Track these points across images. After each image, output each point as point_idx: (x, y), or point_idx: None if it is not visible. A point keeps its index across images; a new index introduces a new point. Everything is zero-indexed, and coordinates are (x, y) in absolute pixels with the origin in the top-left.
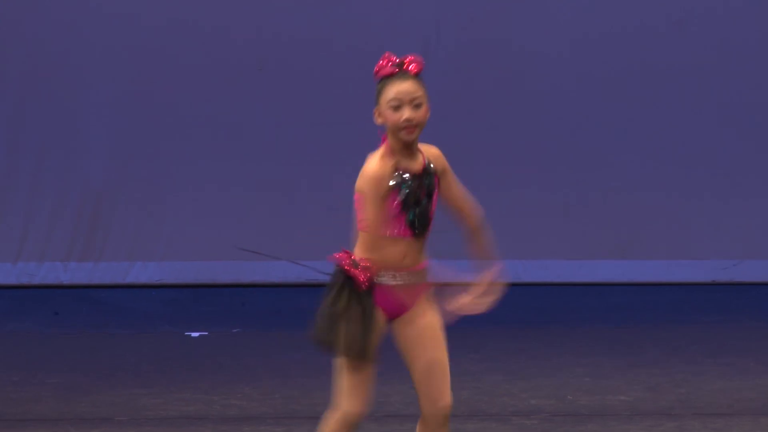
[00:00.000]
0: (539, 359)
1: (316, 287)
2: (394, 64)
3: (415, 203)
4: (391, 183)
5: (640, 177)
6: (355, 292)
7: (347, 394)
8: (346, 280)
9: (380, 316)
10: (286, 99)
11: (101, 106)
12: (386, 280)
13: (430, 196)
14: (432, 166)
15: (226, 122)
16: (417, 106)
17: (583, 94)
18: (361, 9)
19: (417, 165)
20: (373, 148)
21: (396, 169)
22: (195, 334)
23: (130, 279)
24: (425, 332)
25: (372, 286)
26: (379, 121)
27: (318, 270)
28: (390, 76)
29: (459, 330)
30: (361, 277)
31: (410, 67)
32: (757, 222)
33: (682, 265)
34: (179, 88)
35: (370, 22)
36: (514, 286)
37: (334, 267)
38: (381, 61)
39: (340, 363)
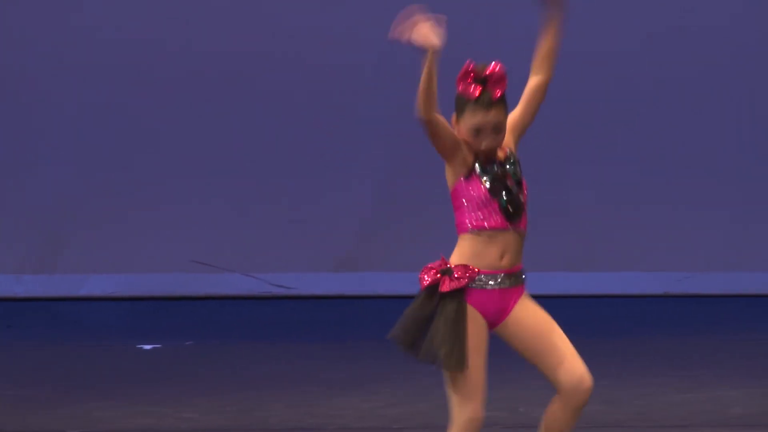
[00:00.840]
0: (493, 371)
1: (269, 299)
2: (477, 80)
3: (505, 189)
4: (476, 168)
5: (594, 190)
6: (444, 297)
7: (459, 403)
8: (434, 286)
9: (479, 321)
10: (242, 115)
11: (58, 120)
12: (484, 284)
13: (519, 183)
14: (513, 154)
15: (181, 138)
16: (497, 131)
17: (541, 109)
18: (323, 22)
19: (498, 154)
20: (321, 164)
21: (476, 156)
22: (148, 347)
23: (84, 291)
24: (540, 326)
25: (463, 292)
26: (458, 132)
27: (271, 283)
28: (474, 99)
29: None
30: (446, 285)
31: (495, 91)
32: (710, 234)
33: (636, 278)
34: (136, 103)
35: (334, 35)
36: None
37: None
38: (466, 77)
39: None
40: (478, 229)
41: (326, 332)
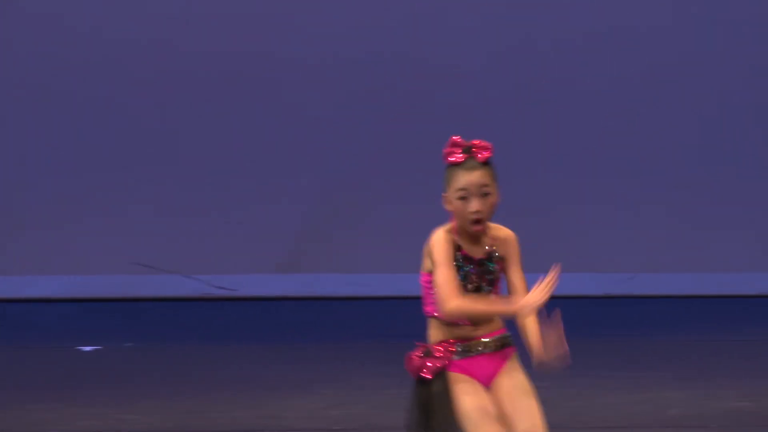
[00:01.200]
0: None
1: (210, 301)
2: (463, 150)
3: (475, 290)
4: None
5: (534, 189)
6: (433, 381)
7: None
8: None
9: (472, 382)
10: (184, 118)
11: (4, 118)
12: (465, 352)
13: (491, 283)
14: (497, 252)
15: (124, 142)
16: (485, 195)
17: (484, 109)
18: (262, 31)
19: (479, 251)
20: (263, 165)
21: (457, 248)
22: (88, 349)
23: (26, 293)
24: (514, 385)
25: (444, 370)
26: (448, 208)
27: (213, 284)
28: (459, 164)
29: (354, 345)
30: (429, 369)
31: (479, 155)
32: (652, 235)
33: (577, 278)
34: (84, 104)
35: (278, 44)
36: (404, 300)
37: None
38: (449, 147)
39: None
40: (442, 319)
41: (268, 334)
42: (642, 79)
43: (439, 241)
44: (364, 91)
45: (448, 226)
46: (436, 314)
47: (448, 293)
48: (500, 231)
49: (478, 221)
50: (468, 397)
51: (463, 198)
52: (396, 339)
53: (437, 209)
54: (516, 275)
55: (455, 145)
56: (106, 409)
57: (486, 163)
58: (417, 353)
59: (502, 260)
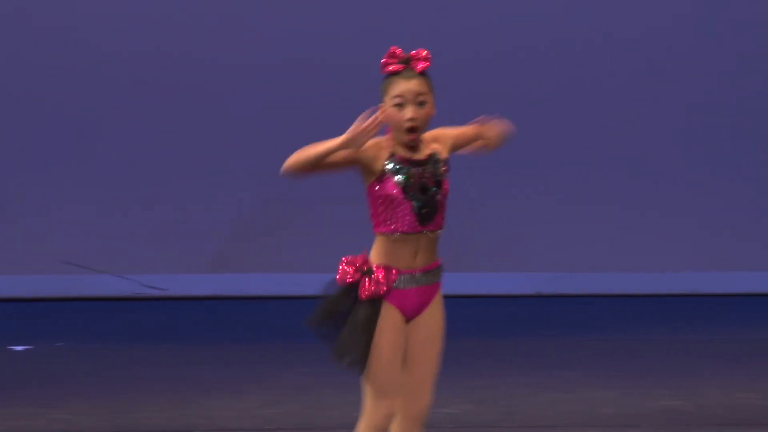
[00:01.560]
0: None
1: (142, 301)
2: (401, 60)
3: (421, 190)
4: (387, 166)
5: (466, 189)
6: (364, 303)
7: (373, 399)
8: (353, 285)
9: (397, 320)
10: (114, 117)
11: None
12: (403, 284)
13: (438, 184)
14: (437, 154)
15: (54, 140)
16: (421, 104)
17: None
18: (206, 21)
19: (417, 154)
20: (195, 164)
21: (392, 155)
22: (19, 348)
23: None
24: (427, 335)
25: (382, 296)
26: (386, 116)
27: (144, 284)
28: (396, 73)
29: (286, 344)
30: (366, 291)
31: (418, 65)
32: (581, 234)
33: (507, 278)
34: (11, 104)
35: (211, 33)
36: None
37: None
38: (387, 57)
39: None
40: (390, 233)
41: (200, 334)
42: (586, 78)
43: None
44: (295, 91)
45: (381, 138)
46: (383, 231)
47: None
48: (432, 133)
49: (413, 129)
50: (388, 335)
51: (398, 105)
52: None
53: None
54: (460, 132)
55: (393, 55)
56: (38, 409)
57: (423, 74)
58: (356, 264)
59: (445, 161)
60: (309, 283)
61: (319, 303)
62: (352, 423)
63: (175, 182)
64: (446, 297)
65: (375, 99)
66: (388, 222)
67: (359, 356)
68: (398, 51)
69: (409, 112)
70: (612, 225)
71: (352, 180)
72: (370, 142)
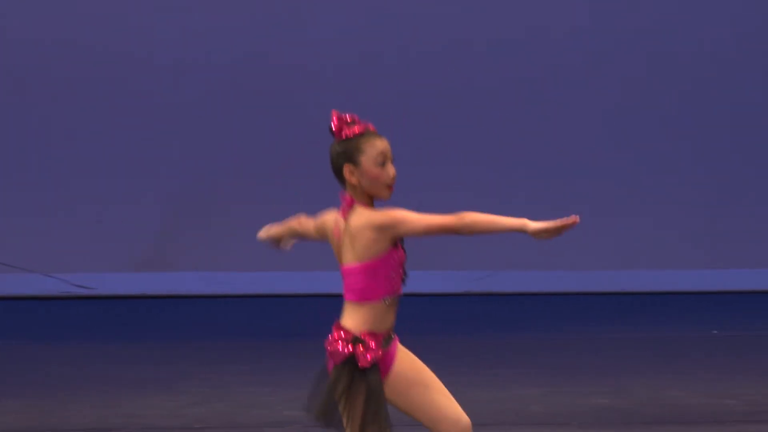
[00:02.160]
0: (296, 372)
1: (69, 300)
2: (351, 123)
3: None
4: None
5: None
6: (358, 370)
7: None
8: (348, 360)
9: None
10: (41, 116)
11: None
12: (385, 343)
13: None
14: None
15: None
16: (392, 163)
17: (342, 107)
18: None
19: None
20: (122, 165)
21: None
22: None
23: None
24: (410, 375)
25: (376, 363)
26: (356, 177)
27: (72, 283)
28: (364, 134)
29: (214, 343)
30: (368, 358)
31: (371, 126)
32: (509, 233)
33: (436, 276)
34: None
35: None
36: (264, 297)
37: (332, 347)
38: (345, 122)
39: None
40: (390, 296)
41: (128, 332)
42: (499, 77)
43: (387, 209)
44: (219, 92)
45: (361, 207)
46: (381, 296)
47: (447, 216)
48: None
49: (392, 187)
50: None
51: (382, 162)
52: (256, 337)
53: (292, 208)
54: (426, 220)
55: (347, 119)
56: None
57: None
58: (342, 339)
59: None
60: (234, 282)
61: (317, 393)
62: (280, 421)
63: (104, 182)
64: None
65: (309, 97)
66: (387, 285)
67: (384, 423)
68: (349, 116)
69: (392, 169)
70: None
71: (275, 180)
72: (366, 212)
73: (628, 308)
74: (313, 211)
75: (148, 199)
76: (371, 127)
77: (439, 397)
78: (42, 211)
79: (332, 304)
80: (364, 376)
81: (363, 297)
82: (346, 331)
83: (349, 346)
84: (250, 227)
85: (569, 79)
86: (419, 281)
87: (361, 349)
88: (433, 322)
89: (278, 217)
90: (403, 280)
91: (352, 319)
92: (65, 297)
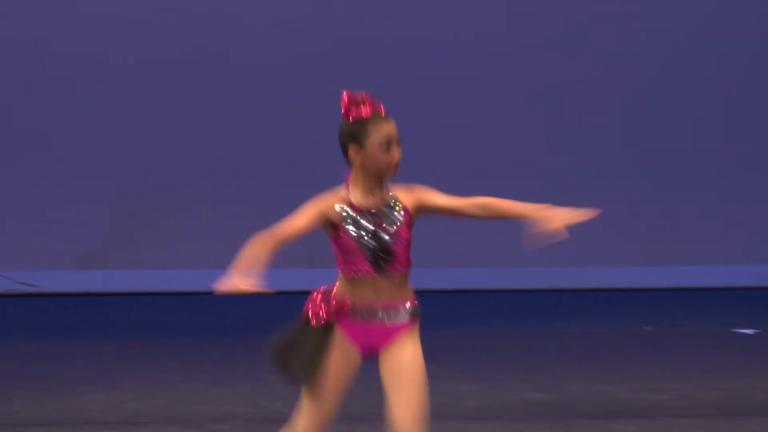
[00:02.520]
0: (234, 367)
1: (13, 297)
2: (361, 103)
3: (374, 239)
4: (343, 216)
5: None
6: (319, 326)
7: (307, 409)
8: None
9: (348, 350)
10: (2, 117)
11: None
12: (361, 317)
13: (395, 233)
14: (398, 202)
15: None
16: (399, 143)
17: (288, 107)
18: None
19: (375, 202)
20: (66, 163)
21: (343, 204)
22: None
23: None
24: (405, 367)
25: (334, 324)
26: (361, 159)
27: (17, 280)
28: (371, 117)
29: (155, 340)
30: (314, 314)
31: (381, 109)
32: (439, 231)
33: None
34: None
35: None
36: (207, 295)
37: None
38: (355, 104)
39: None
40: (349, 277)
41: (70, 329)
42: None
43: (312, 201)
44: (168, 91)
45: (339, 188)
46: (343, 272)
47: (267, 232)
48: (400, 186)
49: (396, 169)
50: (333, 362)
51: (387, 146)
52: (197, 334)
53: (240, 209)
54: (440, 198)
55: (359, 100)
56: None
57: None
58: (318, 295)
59: (406, 209)
60: (175, 280)
61: (280, 338)
62: (220, 416)
63: (47, 179)
64: (298, 294)
65: (258, 96)
66: (348, 264)
67: (302, 373)
68: (360, 96)
69: (396, 152)
70: (469, 221)
71: (222, 181)
72: (324, 196)
73: (562, 305)
74: (258, 208)
75: (93, 198)
76: (381, 108)
77: (403, 393)
78: None
79: (279, 300)
80: (310, 331)
81: (338, 268)
82: (328, 292)
83: (316, 303)
84: (194, 225)
85: (499, 79)
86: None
87: (321, 308)
88: None
89: (221, 216)
90: (373, 264)
91: (338, 283)
92: (8, 295)
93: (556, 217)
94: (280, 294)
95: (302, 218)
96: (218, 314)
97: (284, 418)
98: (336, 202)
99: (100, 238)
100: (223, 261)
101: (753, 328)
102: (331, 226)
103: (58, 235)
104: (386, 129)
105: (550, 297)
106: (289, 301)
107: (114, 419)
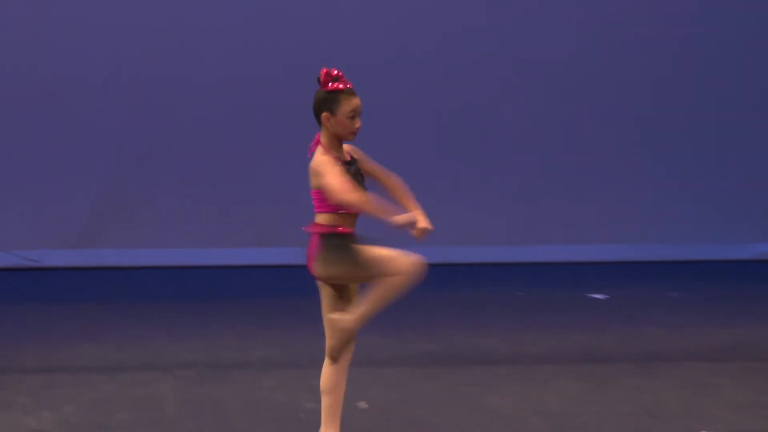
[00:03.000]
0: (195, 325)
1: (20, 271)
2: (337, 78)
3: (356, 181)
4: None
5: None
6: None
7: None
8: (341, 236)
9: None
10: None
11: None
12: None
13: (361, 178)
14: (353, 156)
15: None
16: (359, 117)
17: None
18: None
19: (346, 155)
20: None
21: (337, 159)
22: None
23: None
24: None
25: (352, 235)
26: (330, 123)
27: (23, 257)
28: (344, 90)
29: (136, 304)
30: (344, 228)
31: (349, 84)
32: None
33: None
34: None
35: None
36: (172, 269)
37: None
38: (332, 78)
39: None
40: (336, 211)
41: (65, 296)
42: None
43: (325, 160)
44: (147, 67)
45: (321, 148)
46: (334, 210)
47: (348, 189)
48: (348, 145)
49: (356, 134)
50: (376, 249)
51: (352, 117)
52: (167, 299)
53: (226, 188)
54: (371, 163)
55: (333, 74)
56: None
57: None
58: (315, 227)
59: (357, 161)
60: (151, 256)
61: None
62: (185, 363)
63: (50, 174)
64: (249, 268)
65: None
66: (331, 207)
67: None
68: (335, 71)
69: (358, 122)
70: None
71: (200, 171)
72: (328, 155)
73: (452, 276)
74: (235, 186)
75: (83, 183)
76: (350, 85)
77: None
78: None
79: (232, 274)
80: (346, 238)
81: (318, 210)
82: (318, 225)
83: (315, 228)
84: (168, 208)
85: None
86: (294, 255)
87: (340, 227)
88: (289, 288)
89: (196, 197)
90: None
91: (320, 221)
92: (16, 269)
93: (420, 219)
94: (233, 268)
95: (339, 172)
96: (183, 284)
97: (235, 364)
98: (334, 156)
99: (90, 222)
100: (184, 241)
101: (603, 294)
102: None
103: (57, 220)
104: (355, 102)
105: (443, 270)
106: (241, 274)
107: (100, 366)
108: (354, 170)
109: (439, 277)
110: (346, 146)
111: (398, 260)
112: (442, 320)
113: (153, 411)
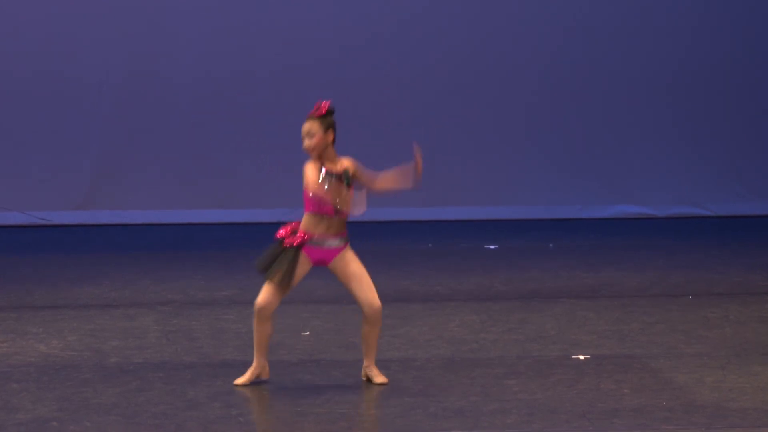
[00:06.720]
0: (172, 272)
1: (33, 227)
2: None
3: (337, 192)
4: (321, 175)
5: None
6: (291, 247)
7: (264, 293)
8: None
9: (305, 263)
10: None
11: None
12: (317, 242)
13: (348, 187)
14: (348, 170)
15: None
16: (310, 137)
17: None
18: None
19: (337, 167)
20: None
21: (321, 168)
22: None
23: None
24: (351, 271)
25: (300, 246)
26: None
27: (35, 216)
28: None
29: (125, 255)
30: (288, 241)
31: (315, 112)
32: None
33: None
34: None
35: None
36: (154, 226)
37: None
38: (328, 110)
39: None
40: (316, 213)
41: (70, 248)
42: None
43: (307, 165)
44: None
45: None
46: (309, 211)
47: (313, 181)
48: (346, 160)
49: (308, 152)
50: (296, 271)
51: (303, 139)
52: (150, 250)
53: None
54: (367, 174)
55: (331, 109)
56: None
57: (315, 117)
58: (287, 228)
59: (352, 175)
60: (139, 216)
61: (265, 253)
62: (164, 301)
63: (66, 142)
64: (212, 226)
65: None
66: (318, 206)
67: (282, 275)
68: (321, 103)
69: (305, 143)
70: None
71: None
72: (311, 165)
73: (371, 232)
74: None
75: (82, 145)
76: (316, 112)
77: (361, 287)
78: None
79: (194, 230)
80: (285, 250)
81: (305, 209)
82: (296, 225)
83: (284, 231)
84: (157, 177)
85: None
86: (250, 214)
87: (291, 237)
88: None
89: (193, 166)
90: (334, 209)
91: (303, 221)
92: (30, 226)
93: (417, 168)
94: (203, 225)
95: (313, 173)
96: (164, 238)
97: (204, 301)
98: (318, 166)
99: (90, 188)
100: (165, 203)
101: (495, 245)
102: (318, 178)
103: (63, 186)
104: (303, 127)
105: (372, 226)
106: (204, 230)
107: (98, 303)
108: (335, 178)
109: (369, 233)
110: (344, 160)
111: (268, 288)
112: (369, 268)
113: (139, 338)
